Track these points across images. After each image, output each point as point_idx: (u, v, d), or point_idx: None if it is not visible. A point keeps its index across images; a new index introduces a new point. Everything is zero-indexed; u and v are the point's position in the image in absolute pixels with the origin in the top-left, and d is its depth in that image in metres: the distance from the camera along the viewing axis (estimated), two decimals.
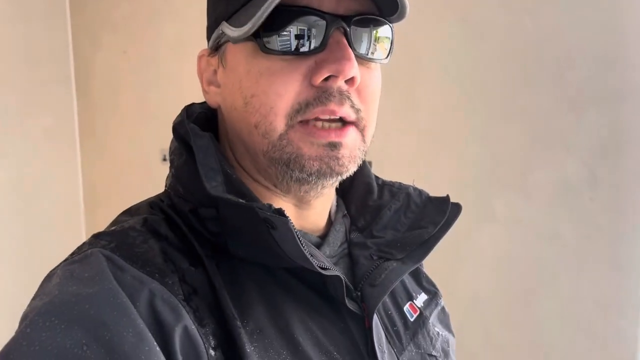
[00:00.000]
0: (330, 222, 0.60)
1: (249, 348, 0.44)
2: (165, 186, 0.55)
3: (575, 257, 1.18)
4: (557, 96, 1.18)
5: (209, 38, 0.55)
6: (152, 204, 0.53)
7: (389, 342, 0.55)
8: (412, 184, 0.64)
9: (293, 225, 0.44)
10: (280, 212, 0.44)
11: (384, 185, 0.64)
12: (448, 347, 0.62)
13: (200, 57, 0.56)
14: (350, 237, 0.60)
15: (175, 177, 0.53)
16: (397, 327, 0.57)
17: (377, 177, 0.65)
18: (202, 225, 0.49)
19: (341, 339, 0.50)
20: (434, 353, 0.59)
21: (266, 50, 0.47)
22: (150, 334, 0.39)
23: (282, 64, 0.47)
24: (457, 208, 0.59)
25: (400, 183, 0.65)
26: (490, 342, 1.31)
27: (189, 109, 0.56)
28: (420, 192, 0.63)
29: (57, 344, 0.37)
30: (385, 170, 1.43)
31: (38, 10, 2.09)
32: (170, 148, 0.54)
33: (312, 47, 0.47)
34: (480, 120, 1.29)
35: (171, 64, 1.87)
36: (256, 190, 0.52)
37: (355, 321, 0.52)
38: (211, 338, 0.43)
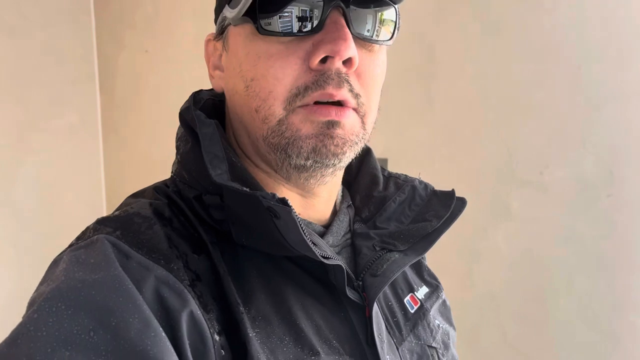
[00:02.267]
0: (335, 212, 0.60)
1: (251, 333, 0.44)
2: (172, 172, 0.55)
3: (591, 254, 1.17)
4: (574, 93, 1.17)
5: (216, 22, 0.54)
6: (157, 189, 0.53)
7: (389, 333, 0.55)
8: (418, 177, 0.64)
9: (296, 215, 0.44)
10: (283, 202, 0.43)
11: (389, 177, 0.64)
12: (448, 339, 0.62)
13: (207, 42, 0.55)
14: (353, 227, 0.60)
15: (180, 164, 0.53)
16: (397, 318, 0.57)
17: (383, 169, 0.65)
18: (206, 212, 0.49)
19: (341, 328, 0.50)
20: (434, 345, 0.59)
21: (263, 32, 0.46)
22: (156, 320, 0.39)
23: (279, 47, 0.46)
24: (461, 202, 0.59)
25: (406, 175, 0.64)
26: (506, 341, 1.30)
27: (196, 95, 0.55)
28: (425, 185, 0.63)
29: (64, 330, 0.36)
30: (401, 167, 1.44)
31: (64, 11, 2.15)
32: (177, 134, 0.54)
33: (309, 28, 0.45)
34: (497, 117, 1.29)
35: (192, 62, 1.91)
36: (261, 178, 0.52)
37: (356, 310, 0.52)
38: (215, 323, 0.43)
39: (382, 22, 0.49)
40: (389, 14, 0.49)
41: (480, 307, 1.33)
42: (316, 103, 0.47)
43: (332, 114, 0.47)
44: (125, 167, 2.23)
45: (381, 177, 0.64)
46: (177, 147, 0.54)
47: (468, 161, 1.34)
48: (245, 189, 0.45)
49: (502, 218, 1.28)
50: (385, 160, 1.47)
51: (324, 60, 0.46)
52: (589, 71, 1.15)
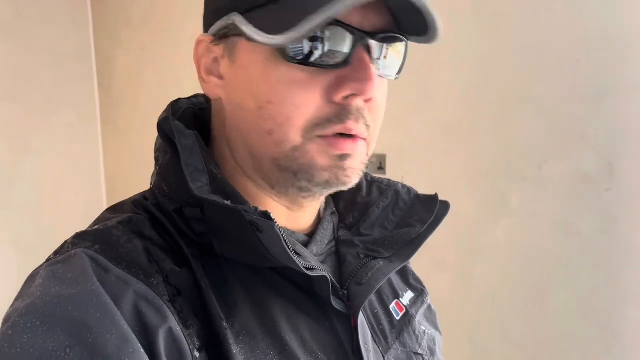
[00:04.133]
0: (318, 219, 0.59)
1: (235, 349, 0.43)
2: (151, 184, 0.54)
3: (591, 248, 1.16)
4: (572, 86, 1.17)
5: (208, 21, 0.51)
6: (136, 203, 0.52)
7: (375, 341, 0.55)
8: (400, 181, 0.64)
9: (280, 228, 0.43)
10: (266, 215, 0.43)
11: (372, 182, 0.63)
12: (434, 345, 0.62)
13: (199, 42, 0.52)
14: (338, 234, 0.60)
15: (160, 175, 0.51)
16: (382, 325, 0.57)
17: (366, 174, 0.64)
18: (187, 225, 0.48)
19: (327, 338, 0.50)
20: (419, 351, 0.58)
21: (289, 58, 0.44)
22: (134, 336, 0.39)
23: (303, 75, 0.45)
24: (445, 206, 0.58)
25: (389, 180, 0.64)
26: (506, 337, 1.30)
27: (174, 105, 0.54)
28: (409, 190, 0.62)
29: (39, 346, 0.36)
30: (399, 163, 1.44)
31: (61, 9, 2.14)
32: (155, 145, 0.53)
33: (336, 61, 0.45)
34: (495, 112, 1.28)
35: (189, 59, 1.90)
36: (248, 189, 0.52)
37: (341, 320, 0.51)
38: (196, 339, 0.42)
39: (394, 57, 0.50)
40: (401, 49, 0.50)
41: (480, 303, 1.34)
42: (334, 135, 0.47)
43: (347, 147, 0.47)
44: (124, 164, 2.23)
45: (365, 182, 0.63)
46: (156, 158, 0.52)
47: (466, 156, 1.33)
48: (226, 202, 0.44)
49: (501, 213, 1.28)
50: (383, 157, 1.46)
51: (346, 96, 0.46)
52: (588, 65, 1.14)
